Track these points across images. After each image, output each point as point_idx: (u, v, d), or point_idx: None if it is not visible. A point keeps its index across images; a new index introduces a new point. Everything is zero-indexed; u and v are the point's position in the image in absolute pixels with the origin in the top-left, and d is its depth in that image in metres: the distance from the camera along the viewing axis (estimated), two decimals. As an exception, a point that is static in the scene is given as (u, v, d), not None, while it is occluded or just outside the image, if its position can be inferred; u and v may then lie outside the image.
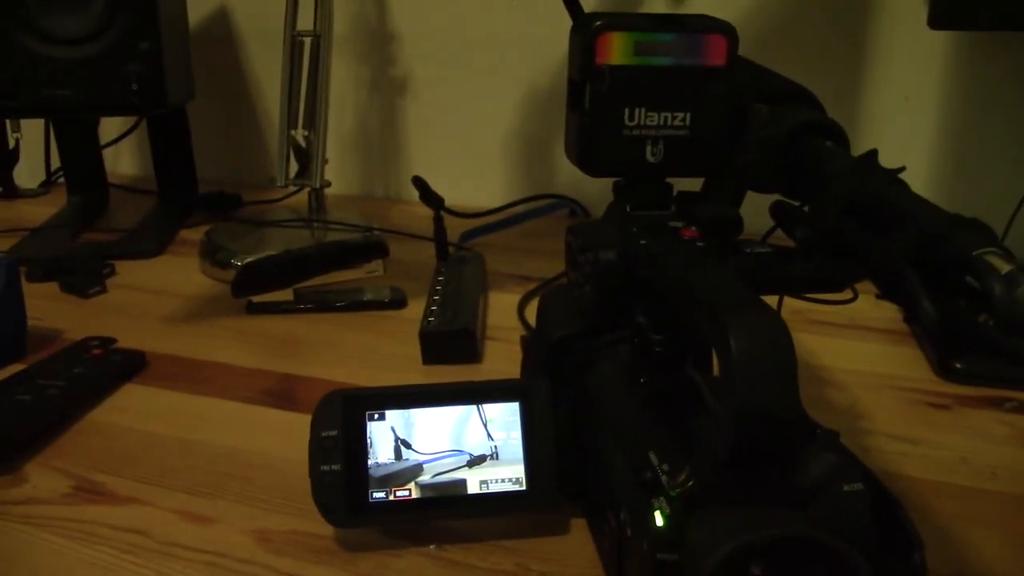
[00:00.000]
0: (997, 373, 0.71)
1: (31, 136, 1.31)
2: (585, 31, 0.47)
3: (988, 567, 0.50)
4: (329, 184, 1.04)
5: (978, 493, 0.57)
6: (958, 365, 0.73)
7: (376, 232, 1.03)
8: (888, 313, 0.85)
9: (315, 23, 0.99)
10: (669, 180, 0.52)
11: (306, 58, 1.01)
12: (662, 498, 0.40)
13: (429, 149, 1.28)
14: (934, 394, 0.70)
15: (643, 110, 0.49)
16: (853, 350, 0.79)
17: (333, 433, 0.50)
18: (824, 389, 0.71)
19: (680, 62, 0.48)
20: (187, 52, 1.12)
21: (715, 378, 0.48)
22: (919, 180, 0.41)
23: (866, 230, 0.42)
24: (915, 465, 0.60)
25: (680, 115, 0.49)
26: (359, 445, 0.51)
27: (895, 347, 0.79)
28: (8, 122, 1.26)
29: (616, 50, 0.48)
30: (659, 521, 0.39)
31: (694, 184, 0.54)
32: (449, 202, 0.97)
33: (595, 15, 0.47)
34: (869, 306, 0.85)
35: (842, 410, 0.68)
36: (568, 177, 1.18)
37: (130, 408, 0.68)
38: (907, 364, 0.76)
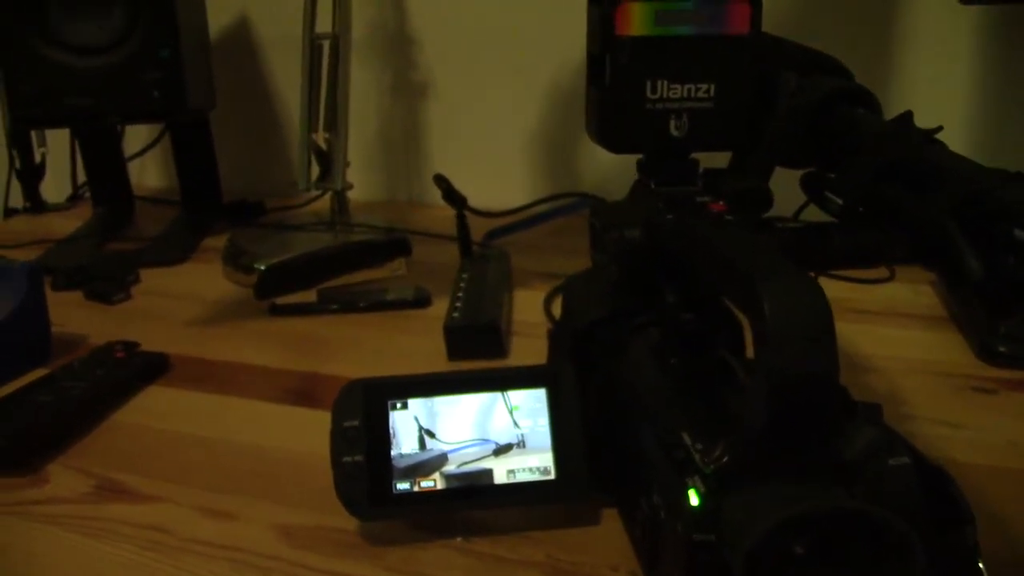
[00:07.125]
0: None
1: (57, 151, 1.31)
2: (604, 2, 0.46)
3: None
4: (351, 186, 1.03)
5: (1031, 476, 0.55)
6: (1002, 349, 0.70)
7: (399, 231, 1.02)
8: (927, 300, 0.83)
9: (333, 25, 0.99)
10: (695, 157, 0.50)
11: (325, 61, 1.00)
12: (696, 477, 0.38)
13: (452, 151, 1.27)
14: (979, 378, 0.68)
15: (666, 82, 0.47)
16: (893, 337, 0.76)
17: (355, 423, 0.49)
18: (864, 376, 0.68)
19: (702, 31, 0.47)
20: (208, 60, 1.12)
21: (748, 360, 0.46)
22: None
23: (905, 192, 0.40)
24: (962, 449, 0.57)
25: (704, 86, 0.48)
26: (382, 435, 0.49)
27: (936, 333, 0.77)
28: (34, 137, 1.27)
29: (636, 20, 0.46)
30: (693, 500, 0.37)
31: (721, 162, 0.52)
32: (473, 203, 0.95)
33: (614, -14, 0.46)
34: (908, 293, 0.84)
35: (883, 396, 0.65)
36: (593, 175, 1.16)
37: (153, 409, 0.67)
38: (949, 350, 0.73)
